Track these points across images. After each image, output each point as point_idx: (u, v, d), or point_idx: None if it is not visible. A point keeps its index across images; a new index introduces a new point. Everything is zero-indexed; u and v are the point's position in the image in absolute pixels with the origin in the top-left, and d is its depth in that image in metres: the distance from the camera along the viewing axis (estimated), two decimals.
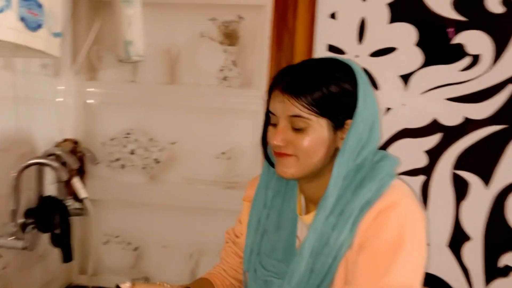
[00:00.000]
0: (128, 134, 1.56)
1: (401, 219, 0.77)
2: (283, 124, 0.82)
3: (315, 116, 0.80)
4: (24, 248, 1.14)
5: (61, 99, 1.52)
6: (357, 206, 0.79)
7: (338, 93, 0.80)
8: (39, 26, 0.85)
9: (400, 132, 1.47)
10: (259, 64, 1.47)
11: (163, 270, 1.57)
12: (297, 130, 0.81)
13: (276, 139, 0.81)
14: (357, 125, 0.81)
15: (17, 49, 0.87)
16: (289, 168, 0.83)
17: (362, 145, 0.82)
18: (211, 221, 1.52)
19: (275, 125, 0.84)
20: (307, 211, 0.91)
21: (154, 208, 1.57)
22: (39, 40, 0.86)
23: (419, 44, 1.44)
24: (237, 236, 1.03)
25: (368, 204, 0.79)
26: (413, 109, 1.45)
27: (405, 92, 1.45)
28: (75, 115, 1.59)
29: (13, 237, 1.14)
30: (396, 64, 1.45)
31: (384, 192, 0.80)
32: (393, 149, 1.49)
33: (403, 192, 0.82)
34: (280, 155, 0.83)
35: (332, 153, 0.83)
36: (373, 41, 1.47)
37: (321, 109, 0.79)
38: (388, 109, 1.48)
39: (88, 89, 1.59)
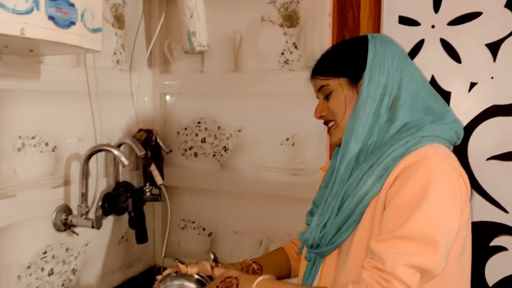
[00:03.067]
0: (199, 123, 1.58)
1: (428, 173, 0.76)
2: (319, 98, 0.96)
3: (332, 78, 0.90)
4: (92, 227, 1.25)
5: (137, 92, 1.58)
6: (389, 156, 0.80)
7: (345, 51, 0.92)
8: (71, 23, 0.90)
9: (489, 109, 1.26)
10: (320, 44, 1.37)
11: (236, 256, 1.55)
12: (327, 98, 0.92)
13: (316, 113, 0.96)
14: (370, 73, 0.85)
15: (55, 46, 0.93)
16: (334, 135, 0.92)
17: (389, 98, 0.84)
18: (278, 209, 1.49)
19: None
20: None
21: (225, 195, 1.57)
22: (73, 36, 0.90)
23: (509, 5, 1.21)
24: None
25: (400, 156, 0.79)
26: (504, 82, 1.25)
27: (493, 64, 1.25)
28: (151, 107, 1.63)
29: (83, 217, 1.26)
30: (481, 32, 1.25)
31: (419, 147, 0.79)
32: (481, 129, 1.28)
33: (440, 151, 0.80)
34: (326, 124, 0.95)
35: None
36: (452, 7, 1.28)
37: (333, 70, 0.90)
38: (473, 84, 1.27)
39: (163, 82, 1.63)
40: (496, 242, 1.28)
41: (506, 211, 1.28)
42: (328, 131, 0.96)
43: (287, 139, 1.47)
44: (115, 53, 1.50)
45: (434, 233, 0.74)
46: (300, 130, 1.44)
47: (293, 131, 1.46)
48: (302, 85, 1.34)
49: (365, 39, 0.91)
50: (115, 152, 1.23)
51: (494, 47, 1.25)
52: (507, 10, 1.23)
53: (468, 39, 1.27)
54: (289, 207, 1.46)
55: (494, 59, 1.25)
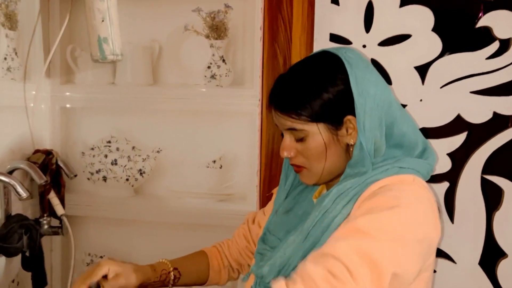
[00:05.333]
0: (109, 142, 1.42)
1: (402, 194, 0.74)
2: (287, 136, 0.84)
3: (308, 125, 0.80)
4: None
5: (32, 106, 1.36)
6: (365, 182, 0.78)
7: (329, 99, 0.80)
8: None
9: None
10: (252, 59, 1.31)
11: None
12: (299, 140, 0.82)
13: (282, 152, 0.85)
14: (359, 120, 0.79)
15: None
16: (307, 179, 0.86)
17: (374, 142, 0.80)
18: (204, 240, 1.31)
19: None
20: None
21: (141, 225, 1.43)
22: None
23: (437, 29, 1.24)
24: (253, 222, 1.04)
25: (374, 182, 0.78)
26: (432, 105, 1.27)
27: (422, 86, 1.27)
28: (50, 123, 1.44)
29: None
30: (410, 54, 1.27)
31: (395, 174, 0.78)
32: None
33: (418, 182, 0.79)
34: (294, 168, 0.87)
35: (345, 150, 0.82)
36: (383, 28, 1.28)
37: (312, 118, 0.80)
38: (403, 106, 1.25)
39: (64, 94, 1.45)
40: None
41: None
42: (297, 171, 0.87)
43: (214, 161, 1.38)
44: (5, 58, 1.26)
45: (387, 235, 0.71)
46: (229, 151, 1.37)
47: (221, 152, 1.37)
48: (231, 103, 1.36)
49: (339, 66, 0.80)
50: (9, 181, 1.00)
51: (422, 70, 1.26)
52: (434, 34, 1.25)
53: (398, 60, 1.27)
54: (216, 237, 1.30)
55: (423, 82, 1.27)
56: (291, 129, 0.82)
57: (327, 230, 0.77)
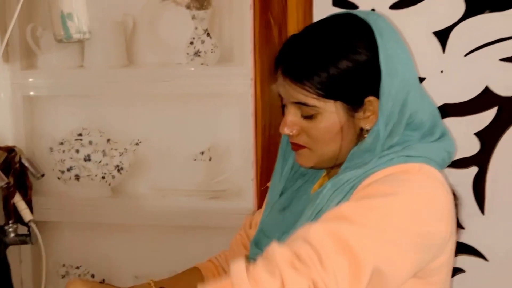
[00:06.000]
0: (80, 135, 1.34)
1: (405, 182, 0.69)
2: (291, 110, 0.76)
3: (323, 101, 0.73)
4: None
5: None
6: (362, 175, 0.72)
7: (350, 70, 0.72)
8: None
9: (440, 109, 1.12)
10: (241, 31, 1.23)
11: None
12: (307, 117, 0.75)
13: (283, 128, 0.77)
14: (382, 105, 0.72)
15: None
16: (306, 160, 0.79)
17: (392, 125, 0.73)
18: (193, 243, 1.32)
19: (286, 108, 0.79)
20: None
21: (120, 229, 1.36)
22: None
23: None
24: (250, 227, 0.97)
25: (374, 172, 0.72)
26: (455, 77, 1.15)
27: (443, 55, 1.15)
28: (11, 115, 1.37)
29: None
30: (428, 18, 1.15)
31: (400, 163, 0.72)
32: None
33: (427, 171, 0.73)
34: (293, 146, 0.79)
35: (358, 134, 0.76)
36: None
37: (329, 93, 0.73)
38: (421, 79, 1.16)
39: (26, 80, 1.37)
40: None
41: (462, 227, 1.17)
42: (294, 149, 0.80)
43: (202, 153, 1.31)
44: None
45: (378, 230, 0.64)
46: (219, 140, 1.30)
47: (210, 142, 1.30)
48: (219, 83, 1.27)
49: (368, 35, 0.73)
50: None
51: (442, 36, 1.15)
52: None
53: (414, 26, 1.16)
54: (206, 240, 1.29)
55: (444, 50, 1.16)
56: (300, 103, 0.74)
57: (318, 215, 0.73)
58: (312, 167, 0.80)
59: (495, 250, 1.16)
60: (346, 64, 0.72)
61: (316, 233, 0.62)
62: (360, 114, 0.75)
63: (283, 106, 0.79)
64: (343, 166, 0.76)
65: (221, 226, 1.25)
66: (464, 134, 1.15)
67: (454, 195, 0.76)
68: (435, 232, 0.69)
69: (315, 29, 0.79)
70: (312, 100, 0.73)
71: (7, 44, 1.30)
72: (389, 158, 0.73)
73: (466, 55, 1.14)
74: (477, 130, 1.15)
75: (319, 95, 0.73)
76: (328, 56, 0.73)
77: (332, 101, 0.73)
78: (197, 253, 1.23)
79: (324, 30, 0.76)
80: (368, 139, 0.74)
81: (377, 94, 0.73)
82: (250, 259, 0.85)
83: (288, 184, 0.88)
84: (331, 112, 0.74)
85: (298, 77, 0.73)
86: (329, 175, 0.83)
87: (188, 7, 1.24)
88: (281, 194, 0.88)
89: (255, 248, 0.85)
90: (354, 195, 0.71)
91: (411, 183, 0.70)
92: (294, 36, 0.78)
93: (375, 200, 0.66)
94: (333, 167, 0.79)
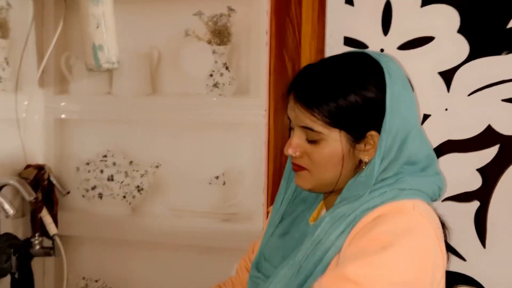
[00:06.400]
0: (105, 156, 1.36)
1: (401, 225, 0.70)
2: (298, 133, 0.78)
3: (328, 129, 0.75)
4: None
5: (25, 118, 1.32)
6: (360, 208, 0.73)
7: (357, 104, 0.74)
8: None
9: (444, 145, 1.17)
10: (257, 66, 1.24)
11: None
12: (311, 141, 0.77)
13: (287, 149, 0.79)
14: (382, 141, 0.74)
15: None
16: (304, 182, 0.80)
17: (388, 162, 0.75)
18: (206, 262, 1.32)
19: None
20: None
21: (139, 245, 1.36)
22: None
23: (463, 30, 1.14)
24: (253, 252, 0.97)
25: (373, 208, 0.73)
26: (459, 115, 1.16)
27: (447, 94, 1.16)
28: (43, 136, 1.40)
29: None
30: (434, 58, 1.16)
31: (394, 201, 0.73)
32: None
33: (419, 207, 0.73)
34: (294, 166, 0.81)
35: (356, 165, 0.78)
36: (403, 30, 1.19)
37: (335, 122, 0.75)
38: (426, 116, 1.17)
39: (58, 104, 1.40)
40: None
41: (463, 259, 1.18)
42: (295, 170, 0.82)
43: (217, 177, 1.31)
44: None
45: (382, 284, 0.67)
46: (233, 166, 1.30)
47: (224, 167, 1.30)
48: (235, 113, 1.29)
49: (378, 74, 0.75)
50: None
51: (447, 76, 1.17)
52: (460, 36, 1.15)
53: (420, 66, 1.18)
54: (219, 260, 1.29)
55: (448, 89, 1.17)
56: (307, 128, 0.76)
57: (320, 263, 0.73)
58: (309, 190, 0.81)
59: (496, 282, 1.15)
60: (355, 98, 0.74)
61: None
62: (361, 146, 0.76)
63: (291, 129, 0.81)
64: (339, 198, 0.77)
65: (233, 247, 1.25)
66: (467, 169, 1.16)
67: (443, 224, 0.79)
68: (427, 277, 0.71)
69: (330, 62, 0.80)
70: (318, 126, 0.75)
71: (43, 71, 1.36)
72: (382, 191, 0.74)
73: (469, 94, 1.14)
74: (479, 166, 1.15)
75: (325, 122, 0.74)
76: (339, 88, 0.74)
77: (337, 130, 0.75)
78: (209, 272, 1.28)
79: (339, 64, 0.78)
80: (365, 171, 0.75)
81: (379, 130, 0.74)
82: (250, 280, 0.88)
83: (289, 208, 0.89)
84: (335, 140, 0.75)
85: (308, 103, 0.75)
86: (326, 202, 0.84)
87: (209, 42, 1.27)
88: (282, 218, 0.88)
89: (256, 272, 0.86)
90: (353, 237, 0.72)
91: (405, 226, 0.70)
92: (309, 65, 0.81)
93: (374, 258, 0.67)
94: (330, 192, 0.80)
